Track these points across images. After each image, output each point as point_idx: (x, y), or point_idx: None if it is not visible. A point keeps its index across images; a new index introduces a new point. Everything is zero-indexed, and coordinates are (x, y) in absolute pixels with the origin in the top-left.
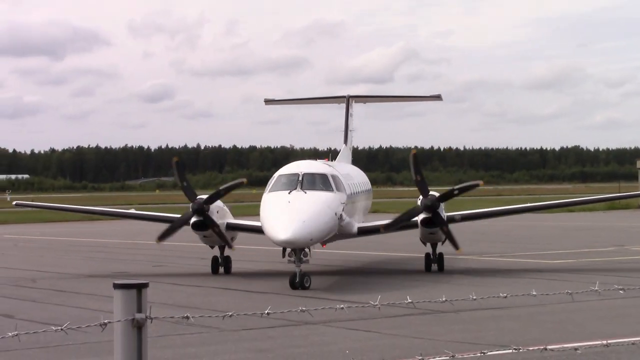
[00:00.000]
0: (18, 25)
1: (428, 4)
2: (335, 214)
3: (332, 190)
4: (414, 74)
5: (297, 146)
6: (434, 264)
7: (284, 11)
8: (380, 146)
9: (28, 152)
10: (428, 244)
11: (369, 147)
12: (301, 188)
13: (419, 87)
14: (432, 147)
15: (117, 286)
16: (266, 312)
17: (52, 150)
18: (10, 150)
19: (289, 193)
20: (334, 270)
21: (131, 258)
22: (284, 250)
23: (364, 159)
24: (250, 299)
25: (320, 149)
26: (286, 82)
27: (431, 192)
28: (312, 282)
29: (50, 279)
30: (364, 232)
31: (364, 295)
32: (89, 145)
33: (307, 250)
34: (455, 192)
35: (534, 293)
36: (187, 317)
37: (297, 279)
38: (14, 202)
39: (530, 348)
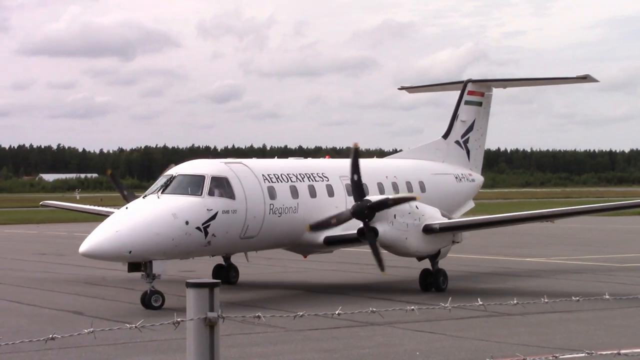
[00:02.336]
0: (90, 27)
1: (497, 5)
2: (187, 222)
3: (199, 195)
4: (482, 75)
5: (363, 147)
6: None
7: (352, 12)
8: None
9: (97, 151)
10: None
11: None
12: (162, 192)
13: None
14: (498, 148)
15: (189, 285)
16: (337, 312)
17: (121, 150)
18: (80, 150)
19: (143, 198)
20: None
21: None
22: (130, 265)
23: None
24: (317, 300)
25: (386, 150)
26: (354, 83)
27: (368, 197)
28: (163, 301)
29: (119, 277)
30: (332, 242)
31: (434, 296)
32: (157, 145)
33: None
34: (390, 202)
35: (607, 297)
36: (259, 317)
37: (147, 297)
38: (40, 203)
39: (603, 352)
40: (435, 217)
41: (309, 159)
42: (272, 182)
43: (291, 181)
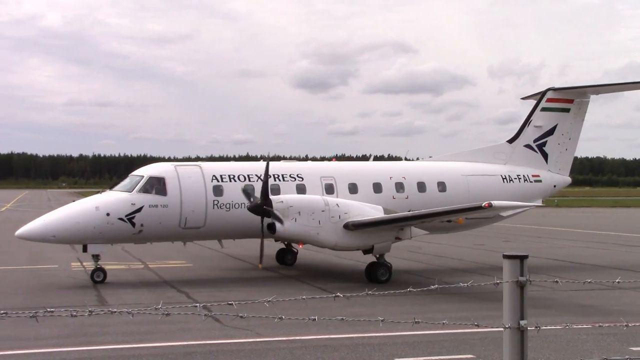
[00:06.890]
0: (413, 73)
1: None
2: (108, 214)
3: (130, 192)
4: None
5: None
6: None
7: (604, 57)
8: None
9: (415, 159)
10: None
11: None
12: (111, 188)
13: None
14: None
15: (506, 257)
16: (588, 280)
17: (430, 157)
18: (402, 158)
19: (97, 193)
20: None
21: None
22: (83, 246)
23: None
24: (582, 270)
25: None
26: (604, 109)
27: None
28: (104, 277)
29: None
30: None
31: None
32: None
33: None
34: (264, 188)
35: None
36: (557, 282)
37: (92, 273)
38: None
39: None
40: (369, 214)
41: (297, 162)
42: (222, 181)
43: (249, 181)
